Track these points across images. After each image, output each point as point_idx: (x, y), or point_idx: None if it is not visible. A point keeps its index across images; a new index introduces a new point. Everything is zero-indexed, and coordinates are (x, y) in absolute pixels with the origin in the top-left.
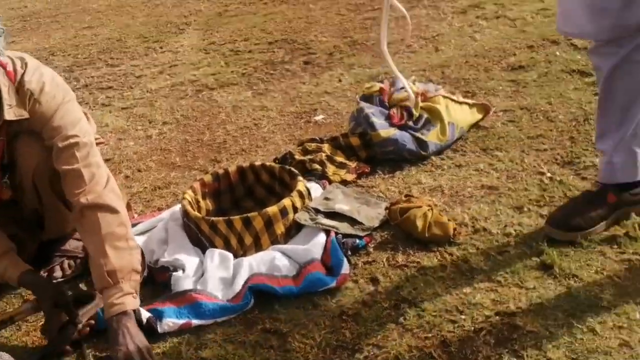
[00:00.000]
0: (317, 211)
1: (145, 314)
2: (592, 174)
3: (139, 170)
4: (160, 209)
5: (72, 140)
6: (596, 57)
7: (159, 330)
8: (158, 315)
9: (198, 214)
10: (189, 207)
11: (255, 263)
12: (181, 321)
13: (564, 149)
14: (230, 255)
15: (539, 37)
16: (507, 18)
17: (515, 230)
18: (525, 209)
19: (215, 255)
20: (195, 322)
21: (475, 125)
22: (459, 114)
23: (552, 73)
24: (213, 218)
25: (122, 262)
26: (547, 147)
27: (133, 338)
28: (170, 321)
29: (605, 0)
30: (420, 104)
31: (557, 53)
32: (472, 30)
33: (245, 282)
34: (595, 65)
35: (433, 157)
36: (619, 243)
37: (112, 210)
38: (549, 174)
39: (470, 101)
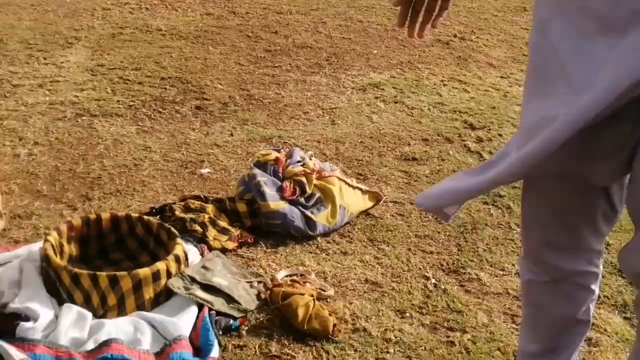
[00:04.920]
0: (192, 280)
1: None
2: (475, 287)
3: None
4: (17, 242)
5: None
6: None
7: None
8: None
9: (60, 262)
10: (50, 252)
11: (116, 328)
12: None
13: (450, 256)
14: (89, 315)
15: (434, 131)
16: (405, 105)
17: (395, 337)
18: (408, 314)
19: (72, 312)
20: None
21: (365, 212)
22: (352, 199)
23: (444, 172)
24: (76, 269)
25: None
26: (433, 250)
27: None
28: None
29: None
30: (315, 182)
31: (451, 152)
32: (369, 110)
33: (101, 346)
34: None
35: (319, 238)
36: None
37: None
38: (433, 280)
39: (363, 187)
